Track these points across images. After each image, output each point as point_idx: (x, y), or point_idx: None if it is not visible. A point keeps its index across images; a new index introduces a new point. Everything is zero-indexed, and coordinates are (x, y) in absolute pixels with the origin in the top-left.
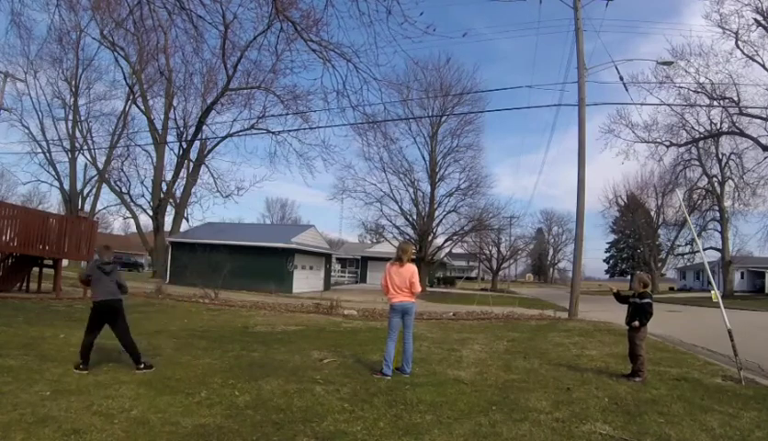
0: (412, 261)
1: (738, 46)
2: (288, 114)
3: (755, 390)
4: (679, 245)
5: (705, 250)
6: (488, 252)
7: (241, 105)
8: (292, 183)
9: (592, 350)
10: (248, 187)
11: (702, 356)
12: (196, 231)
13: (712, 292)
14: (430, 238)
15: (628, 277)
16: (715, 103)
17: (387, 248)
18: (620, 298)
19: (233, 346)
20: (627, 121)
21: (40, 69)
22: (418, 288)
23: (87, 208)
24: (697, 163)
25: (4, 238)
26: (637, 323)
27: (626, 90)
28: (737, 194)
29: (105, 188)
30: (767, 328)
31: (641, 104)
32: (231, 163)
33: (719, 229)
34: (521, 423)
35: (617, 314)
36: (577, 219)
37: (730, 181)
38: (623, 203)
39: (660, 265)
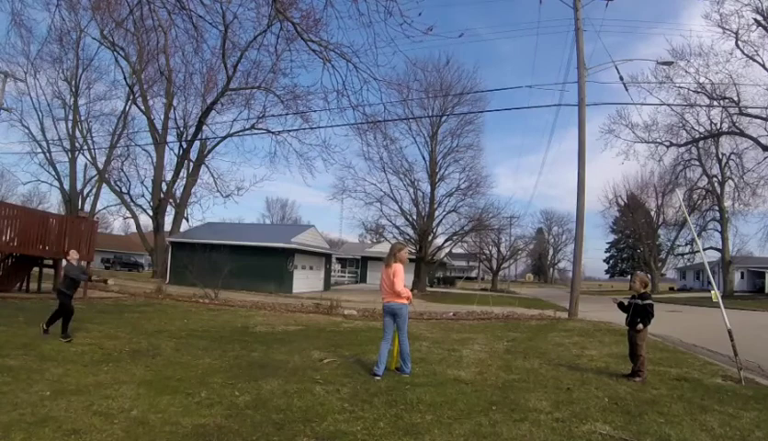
0: (411, 261)
1: (738, 46)
2: (288, 114)
3: (755, 390)
4: (679, 245)
5: (705, 250)
6: (488, 252)
7: (241, 105)
8: (292, 183)
9: (592, 350)
10: (248, 187)
11: (702, 356)
12: (196, 231)
13: (712, 292)
14: (430, 238)
15: (628, 276)
16: (715, 103)
17: (387, 248)
18: (623, 307)
19: (233, 346)
20: (627, 121)
21: (40, 69)
22: (398, 288)
23: (87, 208)
24: (697, 163)
25: (4, 238)
26: (641, 326)
27: (627, 90)
28: (737, 194)
29: (105, 188)
30: (767, 328)
31: (641, 104)
32: (231, 163)
33: (719, 229)
34: (521, 423)
35: (617, 314)
36: (577, 219)
37: (730, 181)
38: (623, 203)
39: (660, 265)
